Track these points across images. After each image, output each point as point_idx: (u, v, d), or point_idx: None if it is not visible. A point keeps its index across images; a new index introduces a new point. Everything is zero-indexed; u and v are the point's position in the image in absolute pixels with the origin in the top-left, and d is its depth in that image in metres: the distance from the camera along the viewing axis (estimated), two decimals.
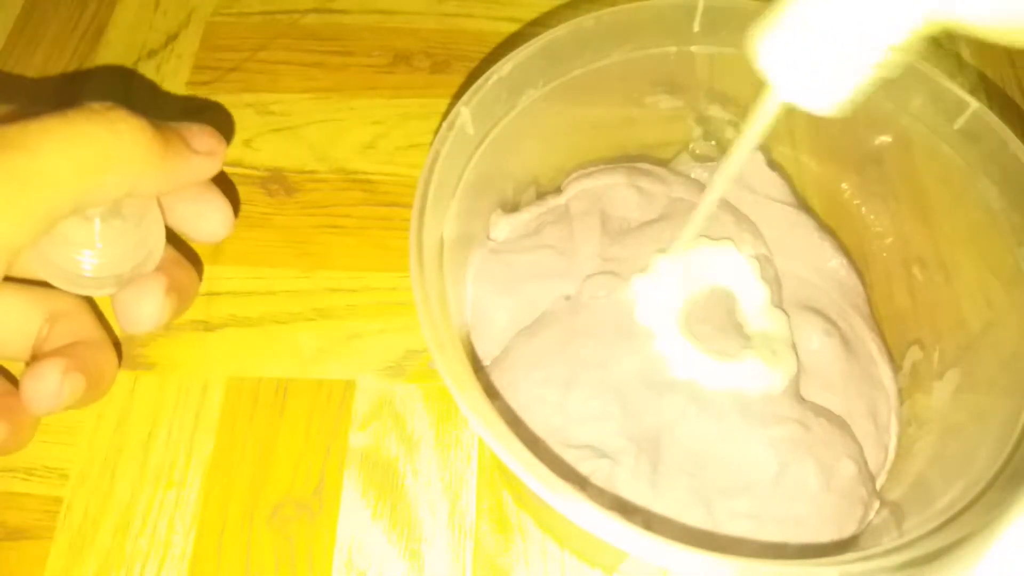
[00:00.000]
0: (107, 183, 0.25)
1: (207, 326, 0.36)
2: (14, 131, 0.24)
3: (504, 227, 0.32)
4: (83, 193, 0.24)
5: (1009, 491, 0.22)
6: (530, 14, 0.44)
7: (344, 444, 0.33)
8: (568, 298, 0.30)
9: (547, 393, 0.28)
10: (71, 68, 0.43)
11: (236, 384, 0.34)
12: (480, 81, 0.27)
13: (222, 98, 0.42)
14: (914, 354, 0.31)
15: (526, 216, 0.33)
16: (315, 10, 0.45)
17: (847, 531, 0.27)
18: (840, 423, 0.29)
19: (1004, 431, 0.24)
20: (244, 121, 0.42)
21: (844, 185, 0.33)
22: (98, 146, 0.25)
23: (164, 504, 0.32)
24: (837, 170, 0.33)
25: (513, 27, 0.44)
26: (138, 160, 0.25)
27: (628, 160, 0.34)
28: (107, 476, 0.32)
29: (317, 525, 0.31)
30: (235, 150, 0.41)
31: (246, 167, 0.40)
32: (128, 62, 0.44)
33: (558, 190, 0.34)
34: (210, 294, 0.36)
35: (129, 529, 0.31)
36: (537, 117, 0.29)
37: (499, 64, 0.27)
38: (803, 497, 0.27)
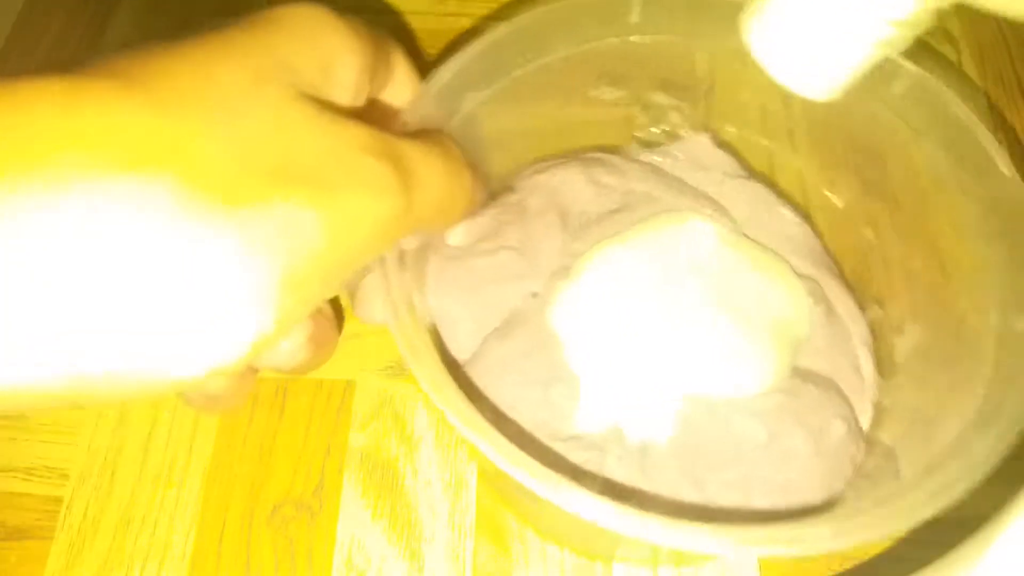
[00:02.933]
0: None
1: None
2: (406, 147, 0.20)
3: (460, 231, 0.31)
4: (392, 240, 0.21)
5: (980, 439, 0.22)
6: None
7: (344, 444, 0.33)
8: (536, 295, 0.30)
9: (528, 393, 0.28)
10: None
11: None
12: (423, 88, 0.26)
13: None
14: (874, 312, 0.32)
15: (482, 218, 0.32)
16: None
17: (836, 489, 0.27)
18: (827, 384, 0.29)
19: (969, 379, 0.25)
20: None
21: (792, 155, 0.34)
22: (452, 204, 0.22)
23: (164, 504, 0.32)
24: (783, 140, 0.34)
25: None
26: (455, 223, 0.23)
27: (578, 153, 0.35)
28: (107, 476, 0.32)
29: (317, 525, 0.31)
30: None
31: None
32: None
33: (511, 188, 0.33)
34: None
35: (129, 529, 0.31)
36: (483, 120, 0.29)
37: (440, 69, 0.26)
38: (793, 463, 0.27)
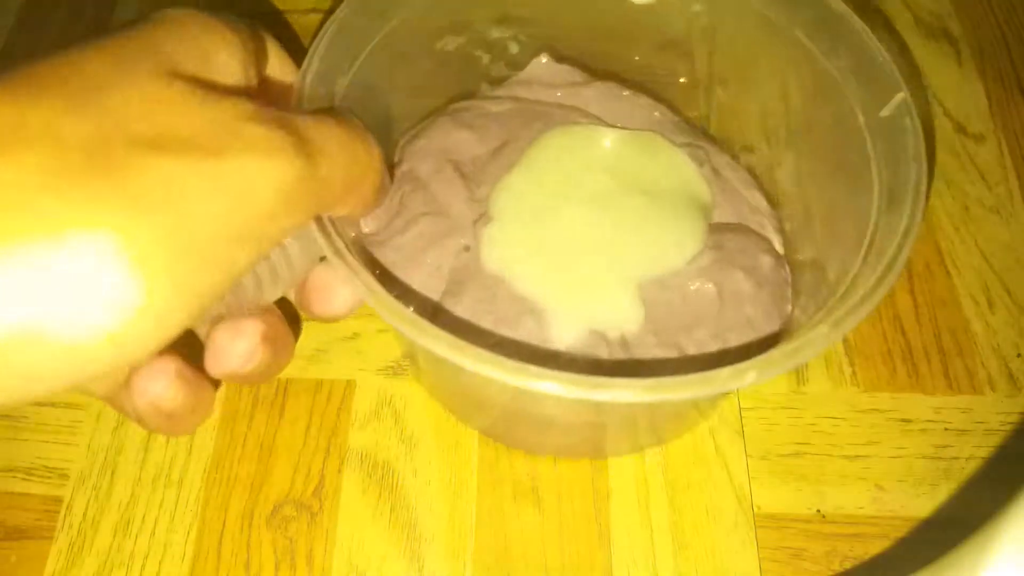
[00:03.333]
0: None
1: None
2: (300, 122, 0.20)
3: (370, 219, 0.32)
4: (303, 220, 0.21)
5: (893, 216, 0.25)
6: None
7: (344, 444, 0.33)
8: (467, 248, 0.31)
9: (504, 330, 0.29)
10: None
11: (236, 384, 0.34)
12: (298, 83, 0.26)
13: None
14: (747, 158, 0.35)
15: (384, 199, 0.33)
16: (314, 10, 0.45)
17: (786, 312, 0.31)
18: (740, 229, 0.33)
19: (858, 175, 0.27)
20: None
21: (636, 53, 0.36)
22: (362, 171, 0.23)
23: (164, 504, 0.32)
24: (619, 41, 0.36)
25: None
26: (374, 196, 0.24)
27: (438, 111, 0.36)
28: (107, 476, 0.32)
29: (317, 525, 0.31)
30: None
31: None
32: None
33: (395, 163, 0.34)
34: None
35: (129, 529, 0.31)
36: (355, 102, 0.29)
37: (307, 64, 0.27)
38: (745, 302, 0.30)
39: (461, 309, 0.29)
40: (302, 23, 0.45)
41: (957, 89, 0.43)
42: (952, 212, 0.39)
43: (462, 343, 0.22)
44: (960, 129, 0.42)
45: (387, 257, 0.31)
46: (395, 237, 0.31)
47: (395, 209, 0.32)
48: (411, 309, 0.22)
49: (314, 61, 0.27)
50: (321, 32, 0.27)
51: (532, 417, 0.31)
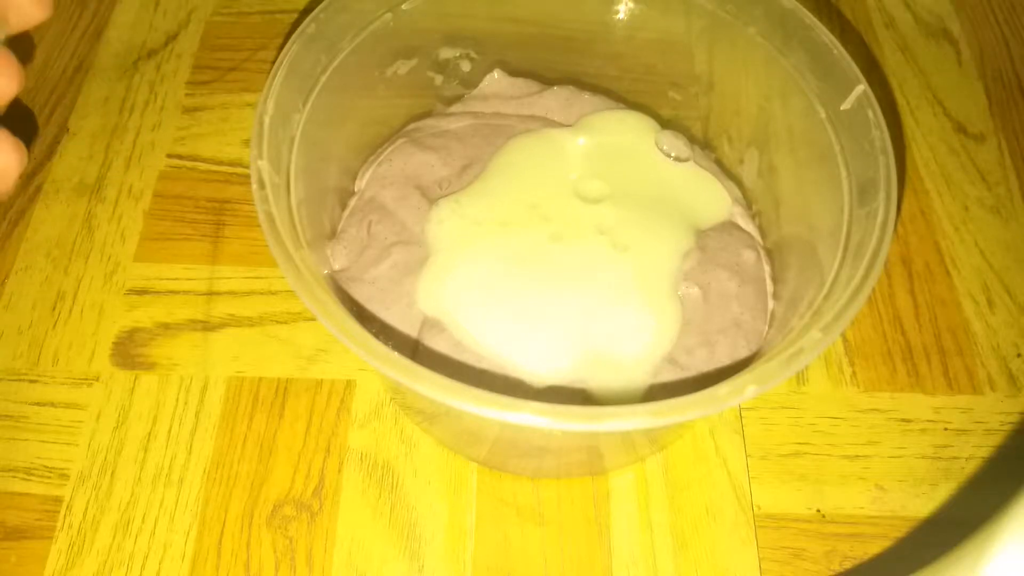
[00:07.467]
0: None
1: (207, 326, 0.36)
2: None
3: (340, 254, 0.31)
4: None
5: (870, 206, 0.25)
6: (528, 13, 0.44)
7: (344, 444, 0.33)
8: None
9: (490, 360, 0.29)
10: (71, 68, 0.43)
11: (236, 384, 0.34)
12: (256, 127, 0.26)
13: (222, 98, 0.42)
14: (709, 154, 0.36)
15: (351, 231, 0.32)
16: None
17: (769, 307, 0.31)
18: (722, 225, 0.33)
19: (824, 170, 0.28)
20: (244, 121, 0.42)
21: (601, 61, 0.36)
22: None
23: (164, 504, 0.32)
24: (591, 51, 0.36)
25: (519, 28, 0.44)
26: None
27: (395, 134, 0.35)
28: (107, 476, 0.32)
29: (317, 525, 0.31)
30: (235, 150, 0.41)
31: (246, 167, 0.40)
32: (128, 62, 0.44)
33: (356, 192, 0.34)
34: (210, 294, 0.36)
35: (129, 529, 0.31)
36: (313, 138, 0.29)
37: (259, 112, 0.26)
38: (731, 302, 0.30)
39: (443, 340, 0.29)
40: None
41: (957, 89, 0.43)
42: (952, 212, 0.39)
43: (463, 388, 0.21)
44: (960, 129, 0.42)
45: (362, 292, 0.30)
46: (368, 270, 0.30)
47: (364, 241, 0.31)
48: (390, 345, 0.22)
49: (269, 103, 0.27)
50: (272, 72, 0.27)
51: (528, 445, 0.31)
